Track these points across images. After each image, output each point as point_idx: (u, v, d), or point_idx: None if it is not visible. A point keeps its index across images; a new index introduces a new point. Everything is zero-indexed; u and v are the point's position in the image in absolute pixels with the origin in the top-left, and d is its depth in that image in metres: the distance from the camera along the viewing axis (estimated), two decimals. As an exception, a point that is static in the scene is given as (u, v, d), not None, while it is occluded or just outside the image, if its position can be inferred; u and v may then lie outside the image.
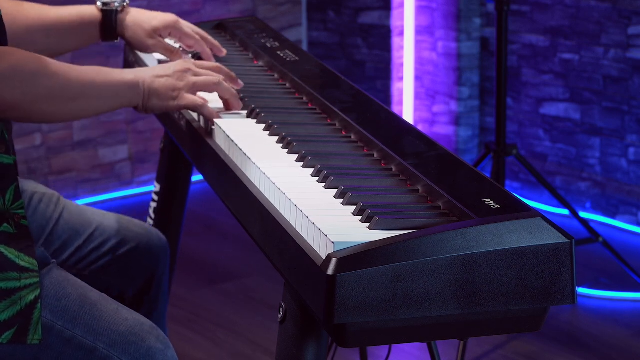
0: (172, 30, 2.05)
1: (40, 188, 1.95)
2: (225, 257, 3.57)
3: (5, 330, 1.51)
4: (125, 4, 2.02)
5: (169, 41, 2.08)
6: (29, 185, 1.93)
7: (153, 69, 1.77)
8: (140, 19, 2.03)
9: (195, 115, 1.87)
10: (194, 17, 4.17)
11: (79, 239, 1.93)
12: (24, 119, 1.65)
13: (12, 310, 1.52)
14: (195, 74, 1.77)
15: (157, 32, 2.03)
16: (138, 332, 1.59)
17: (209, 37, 2.09)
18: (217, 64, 1.84)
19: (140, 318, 1.62)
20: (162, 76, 1.75)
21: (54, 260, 1.63)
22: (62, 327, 1.55)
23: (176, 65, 1.77)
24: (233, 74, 1.84)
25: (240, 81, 1.86)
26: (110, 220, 1.99)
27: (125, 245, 1.97)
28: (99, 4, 2.01)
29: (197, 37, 2.07)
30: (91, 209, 2.00)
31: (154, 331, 1.61)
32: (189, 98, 1.75)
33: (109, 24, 2.01)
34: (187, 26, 2.07)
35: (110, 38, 2.03)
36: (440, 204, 1.42)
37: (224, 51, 2.11)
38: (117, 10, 2.01)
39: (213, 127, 1.76)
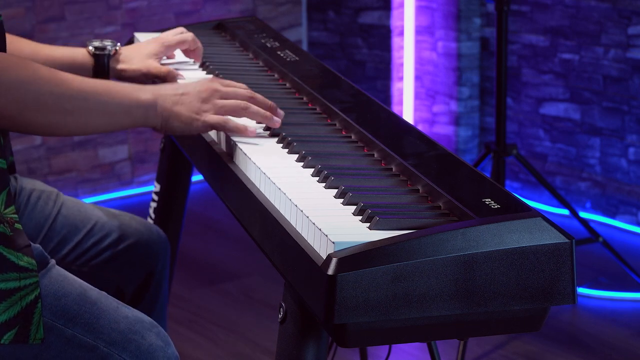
0: (165, 51, 2.03)
1: (39, 185, 1.95)
2: (225, 257, 3.57)
3: (7, 331, 1.51)
4: (117, 48, 1.99)
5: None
6: (28, 183, 1.93)
7: (176, 88, 1.66)
8: (131, 53, 2.01)
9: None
10: (194, 17, 4.17)
11: (78, 234, 1.93)
12: (17, 129, 1.56)
13: (13, 310, 1.51)
14: (222, 96, 1.67)
15: (156, 56, 2.01)
16: (138, 329, 1.59)
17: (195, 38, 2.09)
18: (247, 90, 1.72)
19: (140, 315, 1.62)
20: (185, 97, 1.65)
21: (53, 259, 1.63)
22: (62, 326, 1.55)
23: (202, 86, 1.67)
24: (269, 101, 1.71)
25: (279, 112, 1.71)
26: (109, 215, 1.98)
27: (124, 241, 1.96)
28: (90, 48, 1.97)
29: (187, 38, 2.06)
30: (90, 205, 2.00)
31: (154, 328, 1.61)
32: (214, 118, 1.65)
33: (101, 69, 1.97)
34: (171, 35, 2.06)
35: None
36: (441, 204, 1.42)
37: (200, 60, 2.10)
38: (109, 55, 1.98)
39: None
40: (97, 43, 1.98)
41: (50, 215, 1.91)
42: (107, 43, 1.98)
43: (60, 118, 1.56)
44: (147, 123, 1.64)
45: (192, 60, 2.13)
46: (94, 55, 1.97)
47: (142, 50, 2.01)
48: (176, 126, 1.65)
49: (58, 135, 1.62)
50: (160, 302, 2.04)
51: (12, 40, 1.87)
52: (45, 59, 1.93)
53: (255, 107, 1.68)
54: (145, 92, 1.64)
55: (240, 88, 1.71)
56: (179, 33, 2.07)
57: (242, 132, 1.66)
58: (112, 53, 1.98)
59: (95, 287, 1.67)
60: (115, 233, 1.96)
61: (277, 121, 1.70)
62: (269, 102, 1.71)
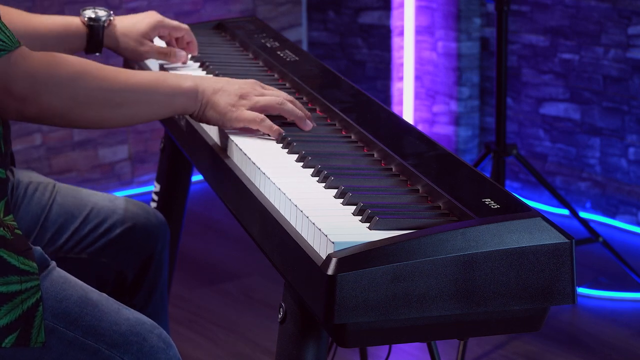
0: (160, 29, 2.04)
1: (35, 177, 1.94)
2: (225, 257, 3.57)
3: (8, 335, 1.51)
4: (111, 18, 2.00)
5: (158, 42, 2.09)
6: (24, 176, 1.92)
7: (217, 81, 1.70)
8: (126, 28, 2.02)
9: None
10: (194, 17, 4.17)
11: (74, 221, 1.92)
12: (67, 124, 1.60)
13: (14, 314, 1.51)
14: (260, 94, 1.70)
15: (147, 37, 2.02)
16: (140, 331, 1.59)
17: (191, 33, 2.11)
18: (286, 94, 1.74)
19: (141, 317, 1.62)
20: (225, 89, 1.68)
21: (53, 262, 1.62)
22: (63, 329, 1.55)
23: (244, 82, 1.71)
24: (308, 113, 1.73)
25: (312, 122, 1.73)
26: (105, 200, 1.97)
27: (122, 225, 1.95)
28: (85, 18, 1.98)
29: (184, 26, 2.08)
30: (86, 190, 1.99)
31: (155, 330, 1.61)
32: (250, 114, 1.67)
33: (96, 38, 1.99)
34: (170, 20, 2.07)
35: (95, 51, 2.01)
36: (441, 204, 1.42)
37: (196, 53, 2.12)
38: (103, 26, 1.99)
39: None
40: (90, 13, 1.99)
41: (46, 205, 1.91)
42: (101, 14, 1.99)
43: (110, 112, 1.60)
44: (186, 110, 1.68)
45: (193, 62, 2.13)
46: (88, 25, 1.98)
47: (137, 26, 2.02)
48: (211, 115, 1.68)
49: (105, 128, 1.67)
50: (160, 287, 2.02)
51: (4, 13, 1.85)
52: (37, 28, 1.92)
53: (290, 105, 1.70)
54: (187, 80, 1.67)
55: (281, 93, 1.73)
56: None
57: (275, 133, 1.67)
58: (106, 24, 1.99)
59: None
60: (112, 218, 1.95)
61: (308, 124, 1.72)
62: (306, 111, 1.73)
